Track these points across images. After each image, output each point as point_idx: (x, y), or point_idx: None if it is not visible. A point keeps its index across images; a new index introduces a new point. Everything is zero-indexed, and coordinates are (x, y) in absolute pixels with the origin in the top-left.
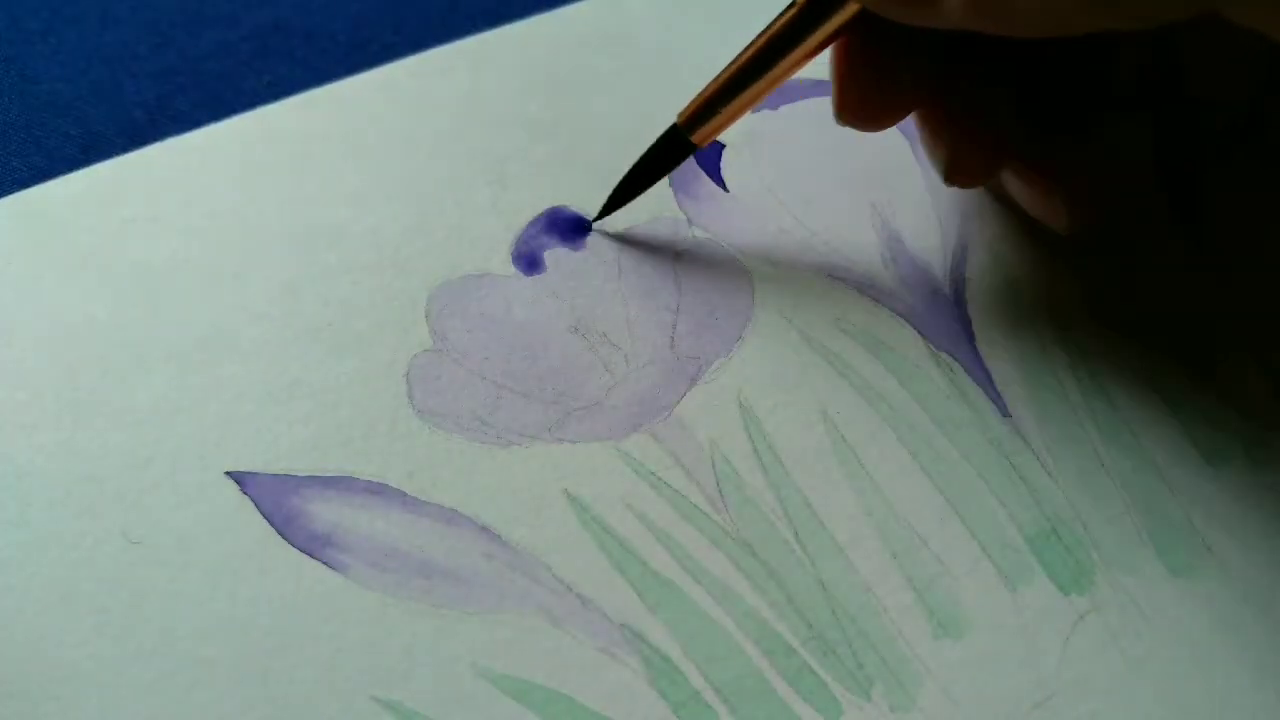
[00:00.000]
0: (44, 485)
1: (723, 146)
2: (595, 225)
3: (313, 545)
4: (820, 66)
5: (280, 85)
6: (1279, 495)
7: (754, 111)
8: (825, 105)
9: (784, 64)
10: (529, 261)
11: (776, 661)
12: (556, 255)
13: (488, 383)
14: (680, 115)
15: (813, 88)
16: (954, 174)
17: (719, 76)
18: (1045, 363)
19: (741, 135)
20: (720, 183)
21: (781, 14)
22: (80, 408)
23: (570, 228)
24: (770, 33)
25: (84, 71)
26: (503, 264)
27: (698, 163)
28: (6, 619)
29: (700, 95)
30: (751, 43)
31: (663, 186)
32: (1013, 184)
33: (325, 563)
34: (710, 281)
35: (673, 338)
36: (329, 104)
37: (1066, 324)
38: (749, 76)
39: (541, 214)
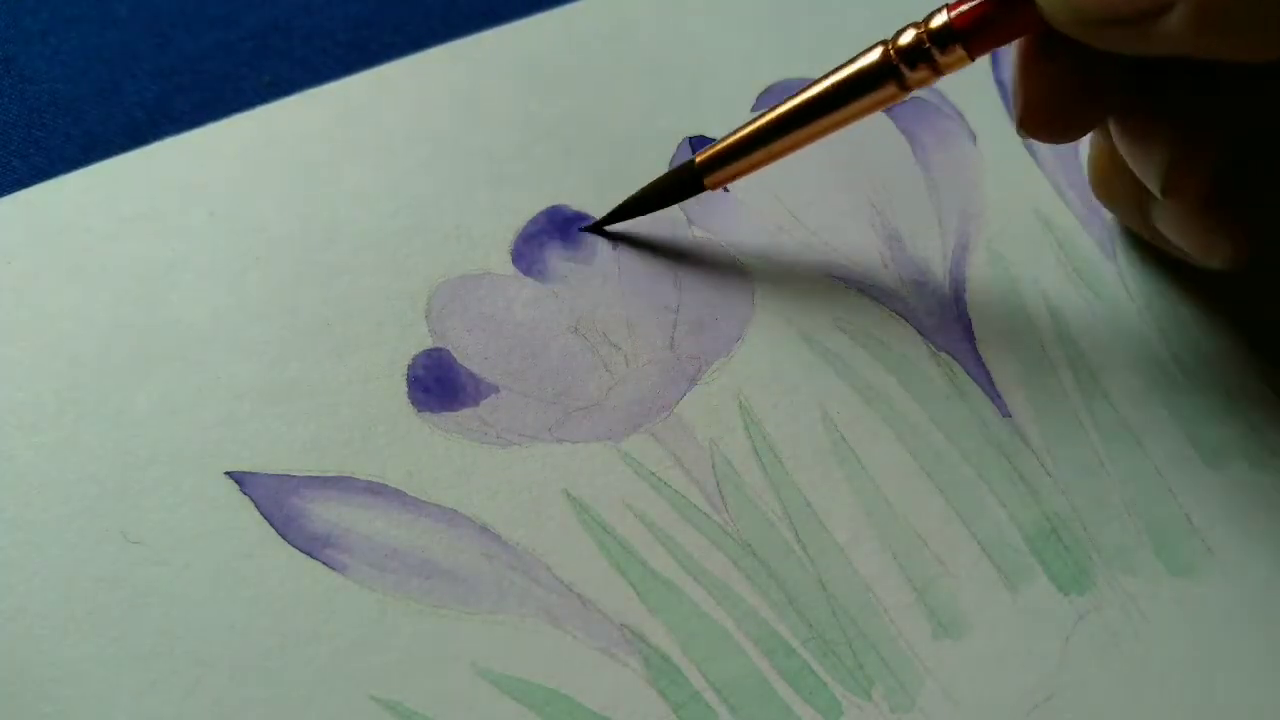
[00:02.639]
0: (44, 485)
1: None
2: (584, 230)
3: (312, 545)
4: (810, 65)
5: (280, 85)
6: (1279, 495)
7: (753, 111)
8: None
9: (809, 130)
10: (529, 261)
11: (776, 661)
12: (556, 255)
13: (487, 383)
14: (699, 155)
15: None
16: (1173, 189)
17: (745, 127)
18: (1045, 363)
19: None
20: None
21: (819, 79)
22: (80, 408)
23: (570, 227)
24: (804, 98)
25: (84, 71)
26: (502, 263)
27: None
28: (6, 619)
29: (724, 142)
30: (784, 100)
31: None
32: (1168, 216)
33: (325, 563)
34: (710, 281)
35: (673, 338)
36: (329, 103)
37: (1067, 324)
38: (776, 134)
39: (541, 213)
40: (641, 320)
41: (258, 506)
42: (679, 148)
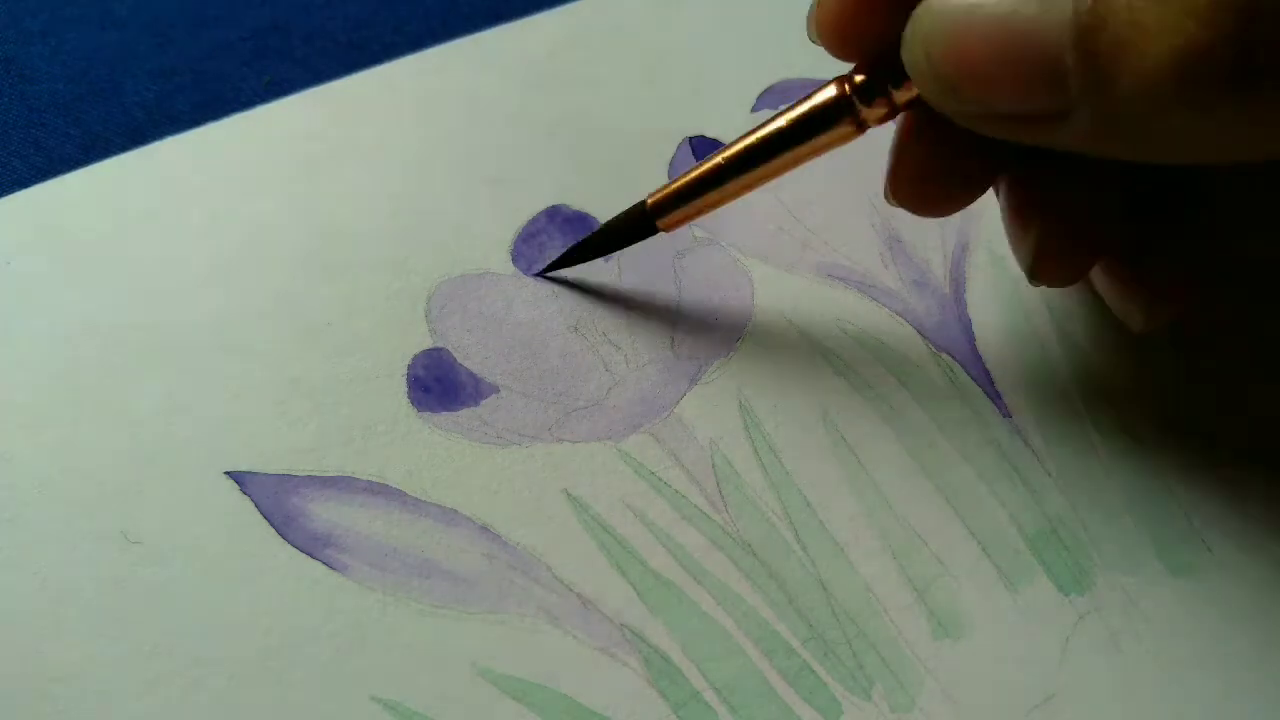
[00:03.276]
0: (44, 485)
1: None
2: (539, 275)
3: (312, 545)
4: (811, 66)
5: (280, 85)
6: (1279, 495)
7: (753, 111)
8: None
9: (762, 170)
10: (529, 261)
11: (776, 661)
12: (556, 254)
13: (487, 383)
14: (650, 198)
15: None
16: (1039, 272)
17: (696, 169)
18: (1045, 363)
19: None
20: None
21: (770, 119)
22: (80, 408)
23: (570, 226)
24: (755, 139)
25: (84, 71)
26: (502, 263)
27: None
28: (6, 619)
29: (673, 184)
30: (736, 141)
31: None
32: (1096, 276)
33: (325, 563)
34: (710, 281)
35: (673, 338)
36: (329, 104)
37: (1067, 324)
38: (725, 176)
39: (541, 212)
40: (641, 320)
41: (258, 506)
42: (679, 148)
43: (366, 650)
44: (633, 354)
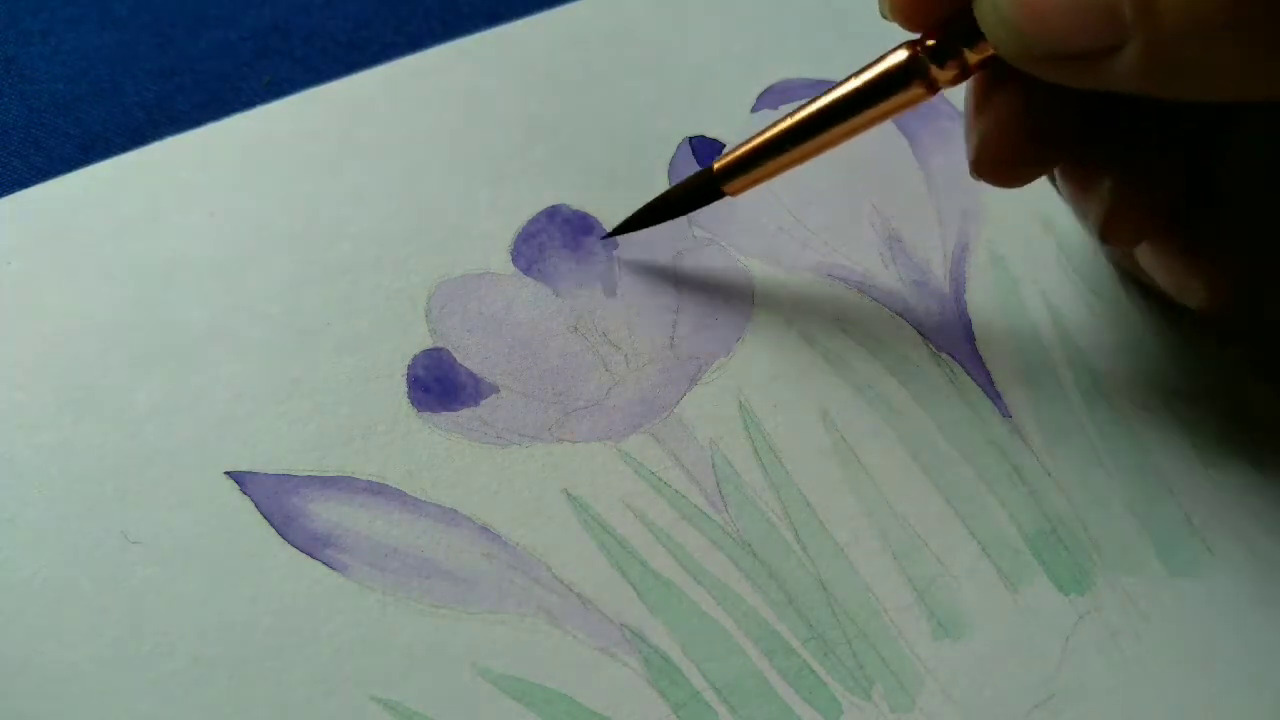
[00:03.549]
0: (44, 485)
1: (722, 146)
2: (603, 239)
3: (312, 545)
4: (811, 65)
5: (280, 85)
6: (1279, 495)
7: (753, 111)
8: None
9: (831, 134)
10: (529, 260)
11: (776, 661)
12: (556, 254)
13: (487, 383)
14: (717, 162)
15: (811, 87)
16: (1109, 234)
17: (764, 133)
18: (1045, 363)
19: (741, 135)
20: None
21: (840, 82)
22: (80, 408)
23: (570, 226)
24: (825, 102)
25: (84, 71)
26: (502, 263)
27: (698, 163)
28: (6, 619)
29: (741, 148)
30: (804, 104)
31: (663, 187)
32: (1146, 254)
33: (325, 563)
34: (710, 281)
35: (673, 338)
36: (329, 104)
37: (1066, 324)
38: (793, 140)
39: (541, 212)
40: (641, 320)
41: (258, 506)
42: (679, 148)
43: (366, 650)
44: (633, 354)
